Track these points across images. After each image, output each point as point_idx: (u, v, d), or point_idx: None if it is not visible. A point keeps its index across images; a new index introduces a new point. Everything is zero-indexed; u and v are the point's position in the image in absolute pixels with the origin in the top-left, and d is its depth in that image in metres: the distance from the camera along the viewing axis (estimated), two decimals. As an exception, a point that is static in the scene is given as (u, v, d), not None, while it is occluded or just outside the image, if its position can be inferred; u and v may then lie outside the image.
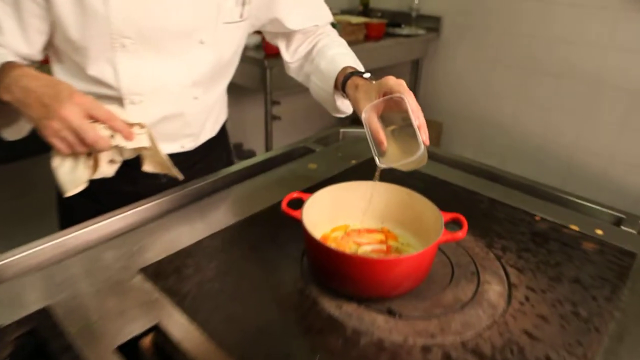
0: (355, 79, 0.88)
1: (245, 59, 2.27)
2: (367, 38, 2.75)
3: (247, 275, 0.73)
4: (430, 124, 3.25)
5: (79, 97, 0.70)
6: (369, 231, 0.79)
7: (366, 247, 0.75)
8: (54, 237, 0.81)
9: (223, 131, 1.18)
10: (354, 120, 1.08)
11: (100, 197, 0.96)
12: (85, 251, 0.79)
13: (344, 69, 0.94)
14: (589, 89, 2.53)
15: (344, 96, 0.94)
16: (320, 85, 1.01)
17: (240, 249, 0.79)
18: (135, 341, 0.61)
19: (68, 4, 0.78)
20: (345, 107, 1.03)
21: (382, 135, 0.75)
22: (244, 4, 0.94)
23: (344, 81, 0.90)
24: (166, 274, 0.72)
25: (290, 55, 1.11)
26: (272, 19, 1.02)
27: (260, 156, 1.16)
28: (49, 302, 0.66)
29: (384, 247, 0.76)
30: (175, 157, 0.92)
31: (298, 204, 0.72)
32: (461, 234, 0.67)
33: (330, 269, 0.66)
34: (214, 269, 0.74)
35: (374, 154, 0.76)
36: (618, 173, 2.55)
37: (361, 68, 0.96)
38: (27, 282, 0.71)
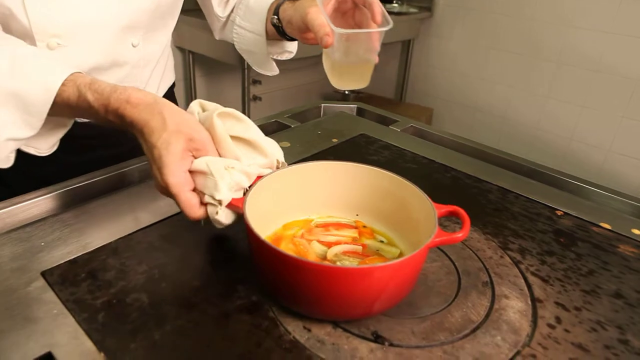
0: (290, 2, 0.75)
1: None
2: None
3: (186, 284, 0.54)
4: (420, 109, 3.08)
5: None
6: (339, 226, 0.61)
7: (335, 248, 0.57)
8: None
9: (171, 97, 0.98)
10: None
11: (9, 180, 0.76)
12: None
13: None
14: (589, 76, 2.37)
15: (277, 36, 0.82)
16: (247, 25, 0.86)
17: (181, 247, 0.60)
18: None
19: None
20: (277, 50, 0.89)
21: (326, 26, 0.66)
22: None
23: (277, 7, 0.78)
24: (77, 280, 0.53)
25: (222, 7, 0.93)
26: None
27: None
28: None
29: (359, 247, 0.57)
30: None
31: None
32: (461, 234, 0.50)
33: (285, 283, 0.48)
34: (144, 273, 0.55)
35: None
36: (616, 165, 2.41)
37: None
38: None
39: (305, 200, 0.62)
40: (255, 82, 2.70)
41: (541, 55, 2.50)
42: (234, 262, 0.58)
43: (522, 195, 0.77)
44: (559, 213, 0.73)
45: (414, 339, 0.48)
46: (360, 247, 0.57)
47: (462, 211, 0.52)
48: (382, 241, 0.60)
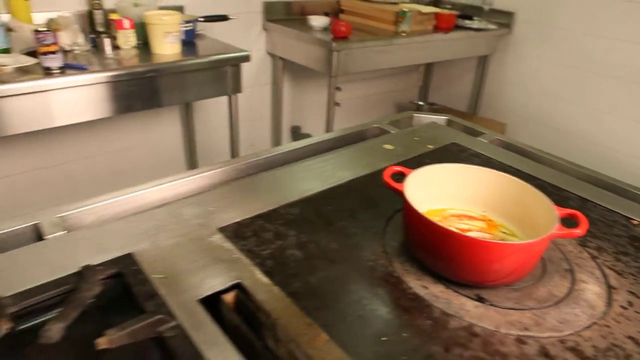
0: None
1: (312, 40, 2.27)
2: (436, 29, 2.67)
3: (327, 247, 0.70)
4: (494, 124, 3.14)
5: None
6: (470, 217, 0.75)
7: (468, 234, 0.71)
8: (135, 190, 0.82)
9: None
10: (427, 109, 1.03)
11: None
12: (164, 206, 0.79)
13: None
14: (672, 99, 2.36)
15: None
16: None
17: (318, 220, 0.77)
18: (216, 295, 0.60)
19: None
20: None
21: None
22: None
23: None
24: (245, 236, 0.71)
25: None
26: None
27: (335, 132, 1.13)
28: (131, 249, 0.66)
29: (487, 235, 0.71)
30: None
31: (396, 178, 0.70)
32: (580, 230, 0.62)
33: (434, 248, 0.63)
34: (293, 237, 0.72)
35: None
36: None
37: None
38: (109, 229, 0.71)
39: (443, 193, 0.76)
40: (337, 88, 2.88)
41: (618, 75, 2.50)
42: (361, 234, 0.74)
43: (599, 205, 0.88)
44: (634, 222, 0.83)
45: (508, 302, 0.62)
46: (489, 235, 0.71)
47: (579, 214, 0.65)
48: (504, 232, 0.73)
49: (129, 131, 2.30)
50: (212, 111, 2.52)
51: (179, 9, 2.17)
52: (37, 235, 0.73)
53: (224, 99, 2.05)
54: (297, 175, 0.91)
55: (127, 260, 0.64)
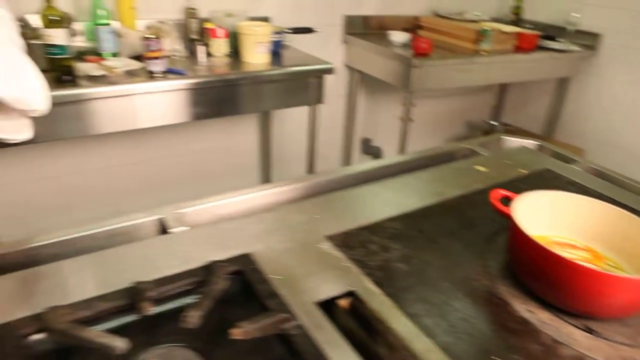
0: None
1: (392, 55, 2.30)
2: (517, 49, 2.63)
3: (431, 263, 0.73)
4: (571, 149, 3.04)
5: None
6: (573, 247, 0.75)
7: None
8: (245, 192, 0.88)
9: None
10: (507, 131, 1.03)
11: None
12: (271, 211, 0.84)
13: None
14: None
15: None
16: None
17: (420, 236, 0.79)
18: (330, 300, 0.64)
19: None
20: None
21: None
22: None
23: None
24: (352, 246, 0.75)
25: None
26: None
27: (426, 151, 1.16)
28: (248, 249, 0.71)
29: (593, 267, 0.71)
30: None
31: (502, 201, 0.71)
32: None
33: (543, 274, 0.64)
34: (398, 250, 0.75)
35: None
36: None
37: None
38: (226, 229, 0.77)
39: (547, 220, 0.76)
40: (407, 103, 2.89)
41: None
42: (463, 253, 0.75)
43: None
44: None
45: (619, 337, 0.61)
46: (594, 267, 0.71)
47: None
48: (610, 265, 0.73)
49: (210, 133, 2.42)
50: (289, 119, 2.60)
51: (265, 19, 2.27)
52: (160, 228, 0.80)
53: (301, 108, 2.12)
54: (395, 191, 0.94)
55: (246, 259, 0.69)
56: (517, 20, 3.05)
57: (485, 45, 2.46)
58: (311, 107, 2.06)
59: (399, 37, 2.44)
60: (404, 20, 2.73)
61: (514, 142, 1.27)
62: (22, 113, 0.71)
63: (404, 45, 2.42)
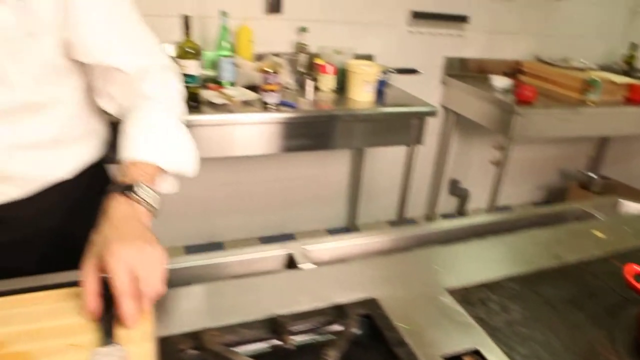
0: (114, 199, 0.67)
1: (492, 100, 2.29)
2: (628, 101, 2.51)
3: (554, 332, 0.72)
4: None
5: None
6: None
7: None
8: (360, 236, 0.93)
9: (94, 176, 0.90)
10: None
11: None
12: (388, 255, 0.88)
13: (122, 168, 0.73)
14: None
15: None
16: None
17: (539, 299, 0.79)
18: (457, 356, 0.66)
19: None
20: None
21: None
22: (20, 13, 0.66)
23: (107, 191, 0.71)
24: (473, 302, 0.76)
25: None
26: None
27: (538, 209, 1.15)
28: (372, 293, 0.75)
29: None
30: (6, 210, 0.78)
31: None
32: None
33: None
34: (519, 313, 0.75)
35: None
36: None
37: (155, 158, 0.74)
38: (349, 270, 0.82)
39: None
40: (502, 148, 2.84)
41: None
42: (586, 325, 0.74)
43: None
44: None
45: None
46: None
47: None
48: None
49: (302, 161, 2.52)
50: (382, 154, 2.65)
51: (369, 57, 2.35)
52: (287, 262, 0.86)
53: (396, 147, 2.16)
54: (510, 249, 0.94)
55: (373, 304, 0.72)
56: (629, 70, 2.92)
57: (593, 96, 2.38)
58: (409, 147, 2.09)
59: (500, 82, 2.42)
60: (504, 64, 2.71)
61: (632, 207, 1.22)
62: (175, 177, 0.81)
63: (505, 91, 2.40)
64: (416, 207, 2.87)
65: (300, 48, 2.15)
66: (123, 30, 0.79)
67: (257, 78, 1.84)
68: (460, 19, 2.50)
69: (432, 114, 1.97)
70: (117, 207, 0.65)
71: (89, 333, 0.60)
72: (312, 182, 2.60)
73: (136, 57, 0.80)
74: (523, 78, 2.66)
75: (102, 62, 0.77)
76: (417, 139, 2.01)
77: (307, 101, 1.90)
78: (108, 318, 0.61)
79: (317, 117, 1.78)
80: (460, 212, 3.04)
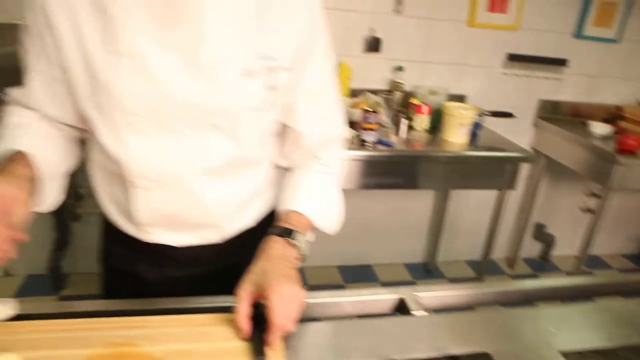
0: (273, 240, 0.77)
1: (590, 147, 2.22)
2: None
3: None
4: None
5: None
6: None
7: None
8: (472, 287, 0.95)
9: (267, 222, 0.96)
10: None
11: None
12: (500, 309, 0.89)
13: (282, 215, 0.84)
14: None
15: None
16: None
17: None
18: None
19: (81, 75, 0.73)
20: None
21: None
22: (272, 89, 0.78)
23: (268, 232, 0.80)
24: (589, 369, 0.76)
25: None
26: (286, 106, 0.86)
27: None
28: (485, 348, 0.77)
29: None
30: (202, 250, 0.89)
31: None
32: None
33: None
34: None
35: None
36: None
37: (310, 212, 0.83)
38: (462, 321, 0.84)
39: None
40: (594, 195, 2.73)
41: None
42: None
43: None
44: None
45: None
46: None
47: None
48: None
49: (386, 195, 2.56)
50: (466, 193, 2.63)
51: (462, 97, 2.37)
52: (397, 305, 0.90)
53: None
54: (621, 314, 0.93)
55: (487, 359, 0.75)
56: None
57: (702, 149, 2.23)
58: (501, 192, 2.07)
59: (600, 128, 2.34)
60: (603, 109, 2.61)
61: None
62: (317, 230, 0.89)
63: (605, 138, 2.31)
64: (498, 248, 2.80)
65: (396, 86, 2.21)
66: (325, 100, 0.89)
67: (354, 114, 1.92)
68: (559, 62, 2.46)
69: (527, 159, 1.95)
70: (276, 247, 0.74)
71: (239, 356, 0.67)
72: (393, 215, 2.62)
73: (325, 128, 0.90)
74: (623, 124, 2.55)
75: (296, 127, 0.87)
76: (510, 184, 1.99)
77: (401, 139, 1.95)
78: (258, 339, 0.68)
79: (412, 157, 1.82)
80: (544, 257, 2.92)
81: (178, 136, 0.76)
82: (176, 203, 0.81)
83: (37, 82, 0.77)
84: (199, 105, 0.74)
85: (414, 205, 2.63)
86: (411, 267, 2.74)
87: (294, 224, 0.80)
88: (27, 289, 2.24)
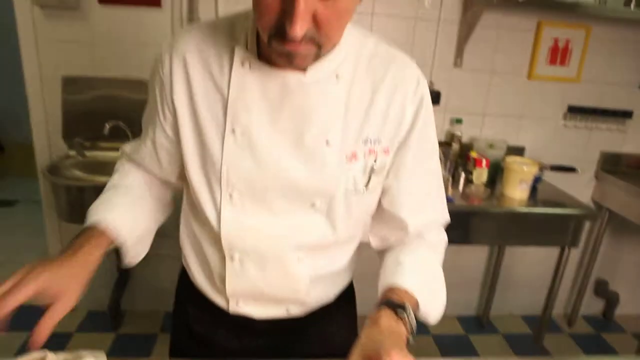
0: (383, 312, 0.71)
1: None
2: None
3: None
4: None
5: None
6: None
7: None
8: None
9: (346, 298, 0.99)
10: None
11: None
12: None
13: (389, 290, 0.77)
14: None
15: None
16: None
17: None
18: None
19: (191, 145, 0.79)
20: None
21: None
22: (372, 172, 0.79)
23: (379, 304, 0.75)
24: None
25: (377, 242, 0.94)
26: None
27: None
28: None
29: None
30: (282, 323, 0.90)
31: None
32: None
33: None
34: None
35: None
36: None
37: (417, 292, 0.77)
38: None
39: None
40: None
41: None
42: None
43: None
44: None
45: None
46: None
47: None
48: None
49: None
50: (521, 250, 2.56)
51: (521, 149, 2.34)
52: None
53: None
54: None
55: None
56: None
57: None
58: (563, 249, 2.00)
59: (668, 184, 2.25)
60: (670, 162, 2.51)
61: None
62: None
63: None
64: (556, 303, 2.68)
65: (453, 138, 2.21)
66: (427, 185, 0.86)
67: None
68: (623, 114, 2.40)
69: (590, 217, 1.89)
70: (387, 319, 0.72)
71: None
72: (445, 266, 2.57)
73: (426, 214, 0.87)
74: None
75: (397, 213, 0.85)
76: (573, 242, 1.92)
77: (459, 193, 1.93)
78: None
79: (471, 213, 1.80)
80: (607, 316, 2.77)
81: (276, 213, 0.79)
82: (267, 277, 0.83)
83: (148, 146, 0.85)
84: (300, 185, 0.77)
85: (467, 256, 2.57)
86: (464, 320, 2.65)
87: (405, 300, 0.76)
88: (87, 325, 2.32)
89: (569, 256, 2.02)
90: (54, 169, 1.96)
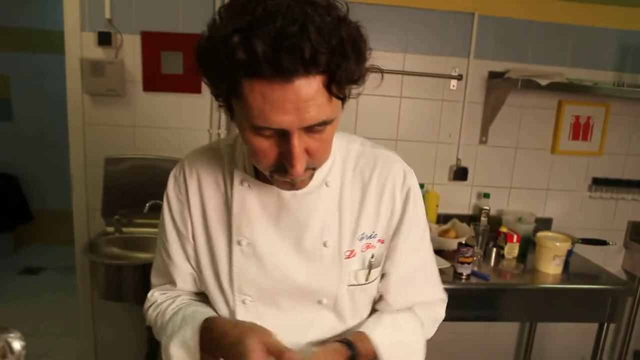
0: (334, 342, 0.81)
1: None
2: None
3: None
4: None
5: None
6: None
7: None
8: None
9: None
10: None
11: None
12: None
13: (355, 333, 0.86)
14: None
15: None
16: None
17: None
18: None
19: (206, 260, 0.87)
20: None
21: None
22: (370, 267, 0.87)
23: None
24: None
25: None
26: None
27: None
28: None
29: None
30: None
31: None
32: None
33: None
34: None
35: None
36: None
37: (380, 345, 0.84)
38: None
39: None
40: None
41: None
42: None
43: None
44: None
45: None
46: None
47: None
48: None
49: (465, 327, 2.48)
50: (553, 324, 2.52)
51: (549, 221, 2.36)
52: None
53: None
54: None
55: None
56: None
57: None
58: (603, 325, 1.97)
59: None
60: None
61: None
62: None
63: None
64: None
65: (481, 212, 2.24)
66: (419, 270, 0.93)
67: (444, 244, 1.95)
68: (647, 185, 2.43)
69: (627, 292, 1.88)
70: (334, 346, 0.80)
71: None
72: (476, 339, 2.53)
73: (412, 297, 0.94)
74: None
75: (384, 294, 0.92)
76: (611, 318, 1.90)
77: (491, 269, 1.94)
78: None
79: (505, 289, 1.80)
80: (646, 390, 2.67)
81: (286, 311, 0.87)
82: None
83: (179, 266, 0.91)
84: (304, 286, 0.84)
85: (497, 329, 2.53)
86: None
87: (360, 344, 0.82)
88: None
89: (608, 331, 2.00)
90: (93, 247, 2.01)
